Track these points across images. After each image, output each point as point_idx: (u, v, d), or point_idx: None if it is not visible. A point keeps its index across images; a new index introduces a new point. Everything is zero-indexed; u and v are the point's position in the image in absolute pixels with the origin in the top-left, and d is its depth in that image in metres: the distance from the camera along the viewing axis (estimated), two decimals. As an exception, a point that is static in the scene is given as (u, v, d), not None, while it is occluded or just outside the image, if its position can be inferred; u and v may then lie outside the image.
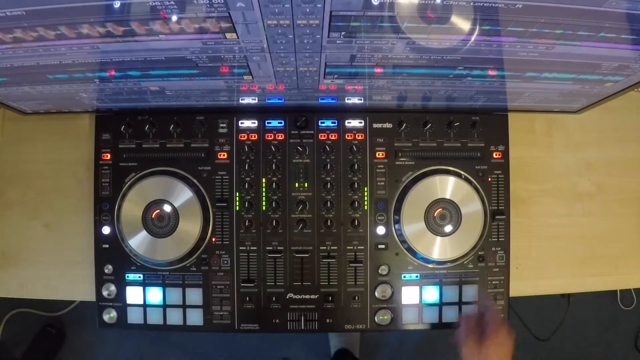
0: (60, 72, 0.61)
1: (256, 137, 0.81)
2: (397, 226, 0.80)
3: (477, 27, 0.50)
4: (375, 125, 0.82)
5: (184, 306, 0.80)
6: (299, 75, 0.65)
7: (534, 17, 0.48)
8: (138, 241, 0.78)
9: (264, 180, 0.81)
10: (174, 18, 0.48)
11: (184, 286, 0.80)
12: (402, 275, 0.81)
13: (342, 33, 0.52)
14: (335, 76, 0.66)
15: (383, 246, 0.81)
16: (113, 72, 0.62)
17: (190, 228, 0.79)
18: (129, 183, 0.80)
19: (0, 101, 0.73)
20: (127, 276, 0.80)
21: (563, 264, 0.87)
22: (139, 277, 0.80)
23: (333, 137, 0.81)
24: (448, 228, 0.79)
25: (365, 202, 0.81)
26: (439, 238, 0.79)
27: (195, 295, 0.80)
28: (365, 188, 0.81)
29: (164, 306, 0.80)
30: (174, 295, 0.80)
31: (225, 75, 0.64)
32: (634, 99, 0.88)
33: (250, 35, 0.52)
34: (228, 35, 0.52)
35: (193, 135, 0.81)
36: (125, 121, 0.80)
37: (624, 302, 1.62)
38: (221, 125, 0.81)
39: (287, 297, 0.80)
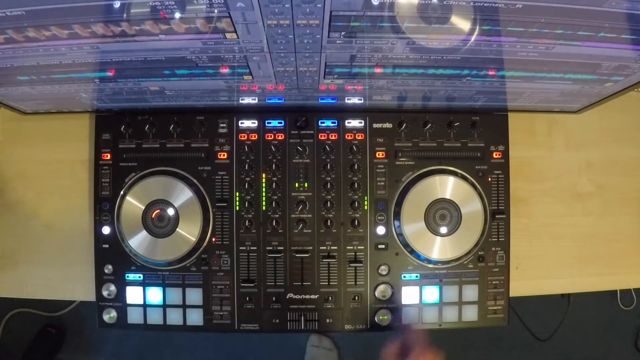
0: (60, 72, 0.61)
1: (256, 137, 0.81)
2: (397, 226, 0.80)
3: (477, 27, 0.50)
4: (375, 125, 0.82)
5: (184, 306, 0.80)
6: (299, 75, 0.65)
7: (534, 17, 0.48)
8: (138, 241, 0.78)
9: (264, 180, 0.81)
10: (174, 18, 0.48)
11: (184, 286, 0.80)
12: (402, 275, 0.81)
13: (342, 33, 0.52)
14: (335, 76, 0.66)
15: (383, 246, 0.81)
16: (113, 72, 0.62)
17: (190, 228, 0.79)
18: (129, 183, 0.80)
19: (0, 101, 0.73)
20: (127, 276, 0.80)
21: (563, 264, 0.87)
22: (139, 277, 0.80)
23: (333, 137, 0.81)
24: (448, 228, 0.79)
25: (365, 202, 0.81)
26: (439, 238, 0.79)
27: (195, 295, 0.80)
28: (366, 188, 0.81)
29: (164, 306, 0.80)
30: (174, 295, 0.80)
31: (225, 75, 0.64)
32: (634, 99, 0.88)
33: (250, 35, 0.52)
34: (228, 35, 0.52)
35: (193, 135, 0.81)
36: (125, 121, 0.80)
37: (624, 302, 1.62)
38: (221, 125, 0.81)
39: (287, 297, 0.80)
